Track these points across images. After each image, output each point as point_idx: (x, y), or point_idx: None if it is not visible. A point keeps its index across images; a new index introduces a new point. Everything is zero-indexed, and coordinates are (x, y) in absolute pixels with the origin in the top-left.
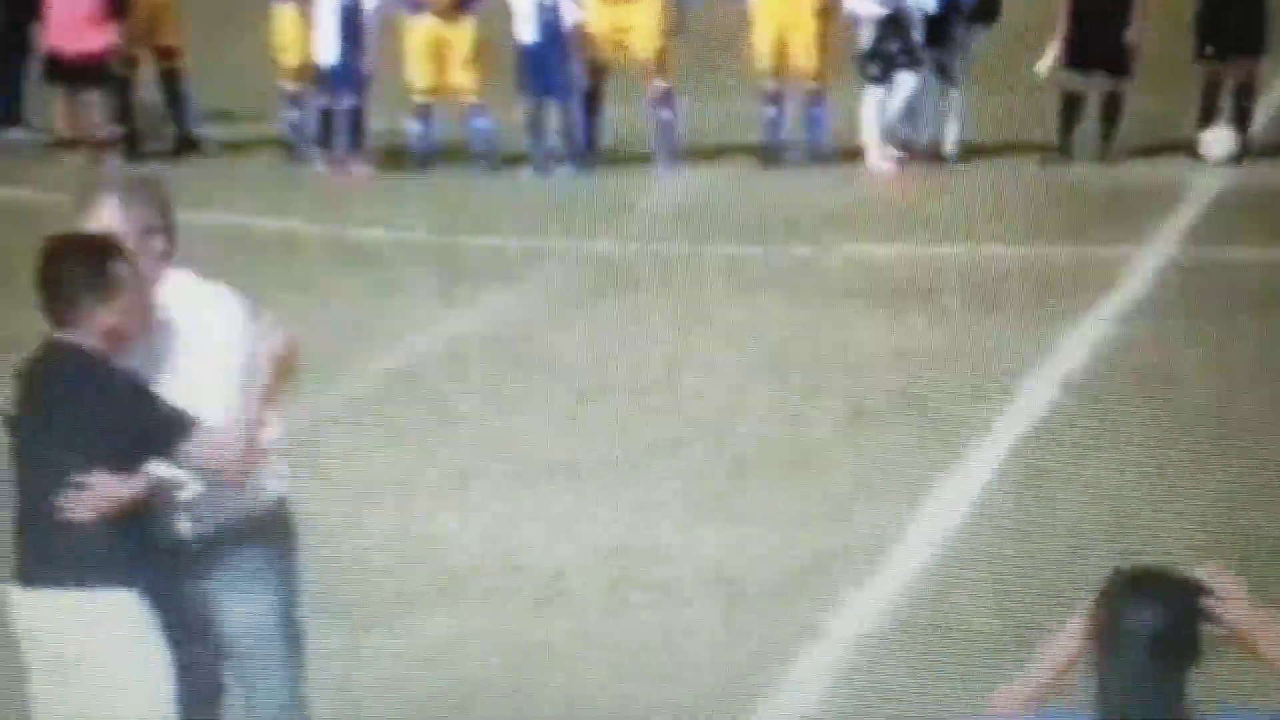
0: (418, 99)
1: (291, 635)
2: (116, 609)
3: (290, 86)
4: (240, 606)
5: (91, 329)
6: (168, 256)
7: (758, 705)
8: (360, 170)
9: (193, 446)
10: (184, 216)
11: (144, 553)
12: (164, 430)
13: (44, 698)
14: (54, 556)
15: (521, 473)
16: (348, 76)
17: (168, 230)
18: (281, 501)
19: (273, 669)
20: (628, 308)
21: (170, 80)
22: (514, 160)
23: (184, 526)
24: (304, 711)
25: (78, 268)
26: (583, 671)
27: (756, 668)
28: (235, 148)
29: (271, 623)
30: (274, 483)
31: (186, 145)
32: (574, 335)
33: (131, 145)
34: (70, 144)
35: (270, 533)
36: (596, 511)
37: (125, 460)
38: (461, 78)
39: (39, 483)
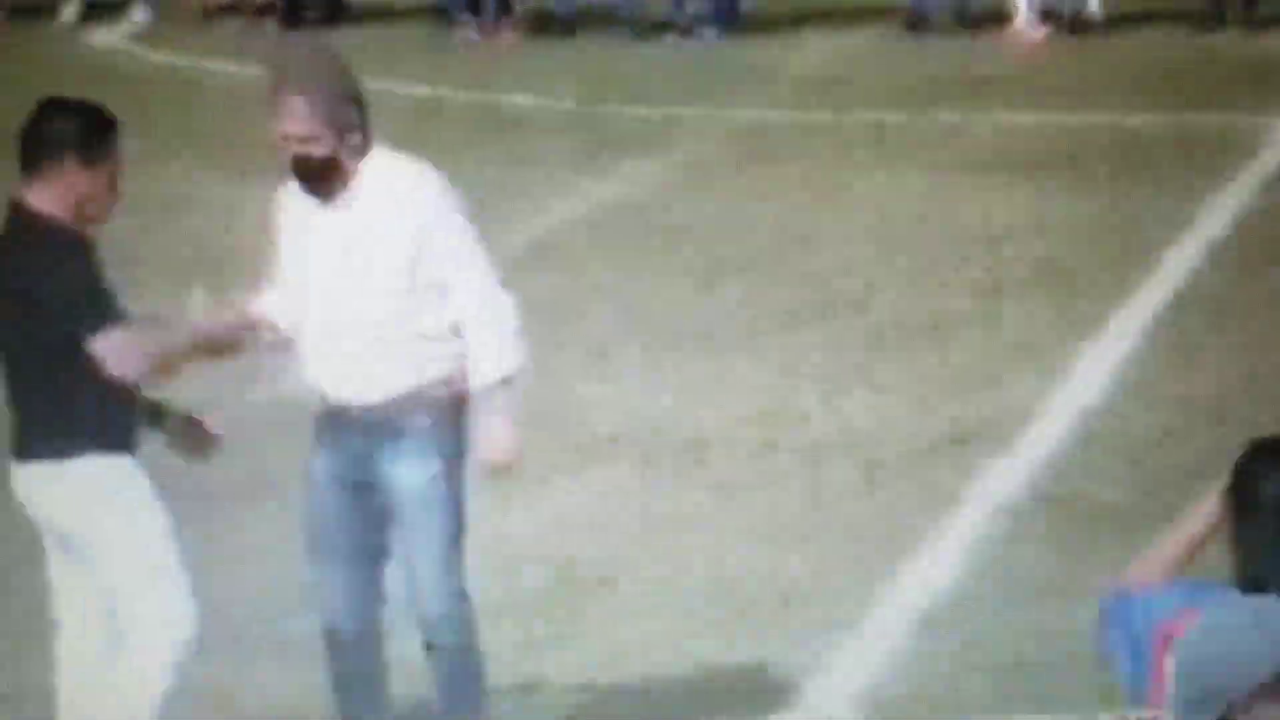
0: None
1: (454, 506)
2: (105, 475)
3: None
4: (405, 474)
5: (66, 193)
6: (366, 147)
7: (897, 570)
8: (508, 37)
9: (100, 343)
10: None
11: (131, 418)
12: (91, 315)
13: (56, 569)
14: (36, 428)
15: (661, 341)
16: None
17: (363, 122)
18: (448, 379)
19: (435, 538)
20: (768, 176)
21: None
22: (659, 26)
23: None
24: (463, 580)
25: (71, 126)
26: (725, 534)
27: (895, 534)
28: (388, 14)
29: (435, 491)
30: (436, 365)
31: (337, 10)
32: (714, 204)
33: (292, 13)
34: (229, 10)
35: (437, 404)
36: (737, 380)
37: (61, 339)
38: None
39: (11, 354)
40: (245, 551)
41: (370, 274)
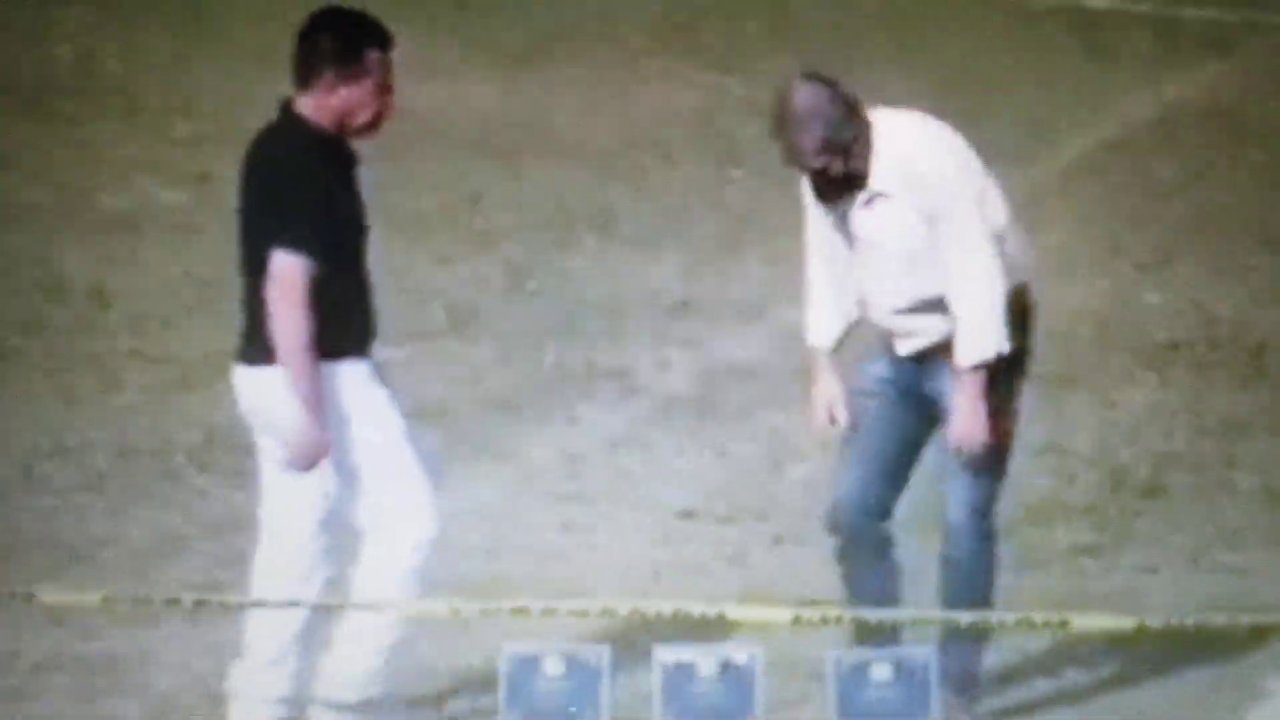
0: None
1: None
2: (330, 381)
3: None
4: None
5: (326, 101)
6: (866, 139)
7: None
8: None
9: (275, 270)
10: None
11: (344, 334)
12: (275, 227)
13: (269, 473)
14: (247, 334)
15: (1226, 245)
16: None
17: (857, 124)
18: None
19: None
20: None
21: None
22: None
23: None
24: (990, 501)
25: (329, 41)
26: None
27: None
28: None
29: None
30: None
31: None
32: None
33: None
34: None
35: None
36: None
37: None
38: None
39: (246, 259)
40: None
41: (895, 252)
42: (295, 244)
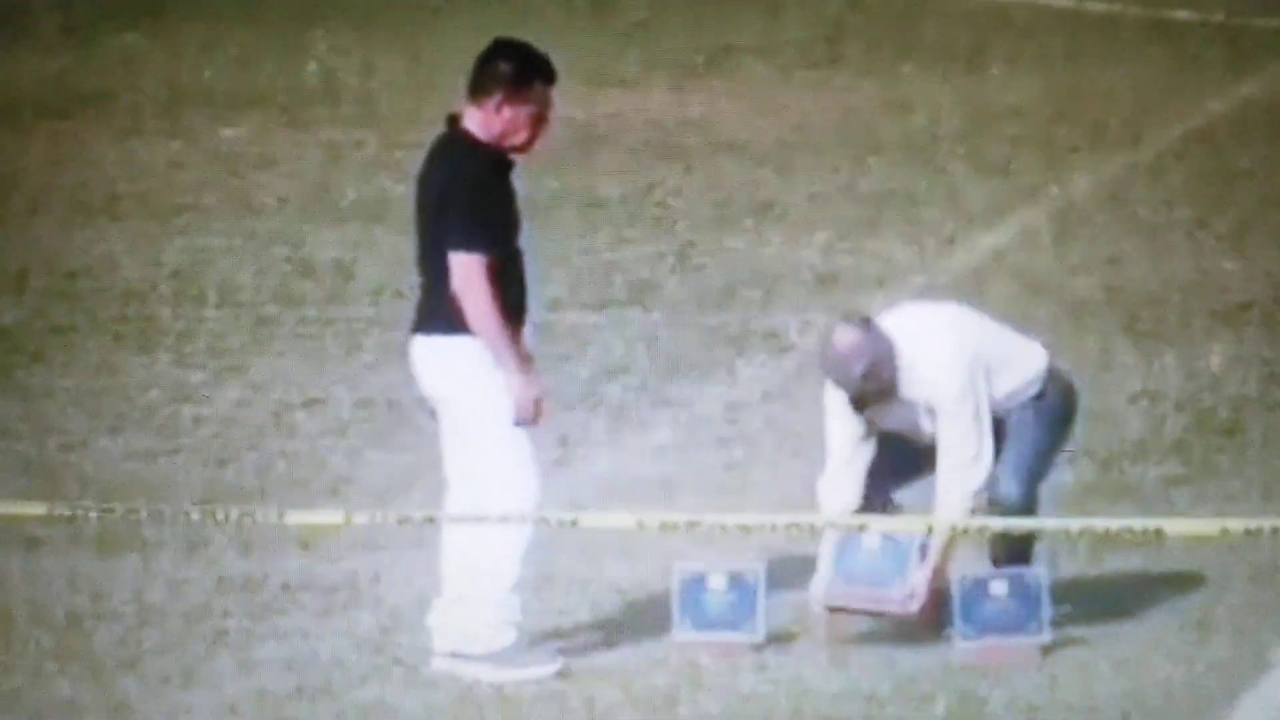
0: None
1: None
2: (468, 351)
3: None
4: None
5: (490, 118)
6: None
7: None
8: None
9: (458, 267)
10: None
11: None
12: (453, 231)
13: (445, 434)
14: (424, 309)
15: None
16: None
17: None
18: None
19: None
20: None
21: None
22: None
23: None
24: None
25: (506, 67)
26: None
27: None
28: None
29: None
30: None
31: None
32: None
33: None
34: None
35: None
36: None
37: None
38: None
39: (424, 246)
40: None
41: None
42: (470, 245)
